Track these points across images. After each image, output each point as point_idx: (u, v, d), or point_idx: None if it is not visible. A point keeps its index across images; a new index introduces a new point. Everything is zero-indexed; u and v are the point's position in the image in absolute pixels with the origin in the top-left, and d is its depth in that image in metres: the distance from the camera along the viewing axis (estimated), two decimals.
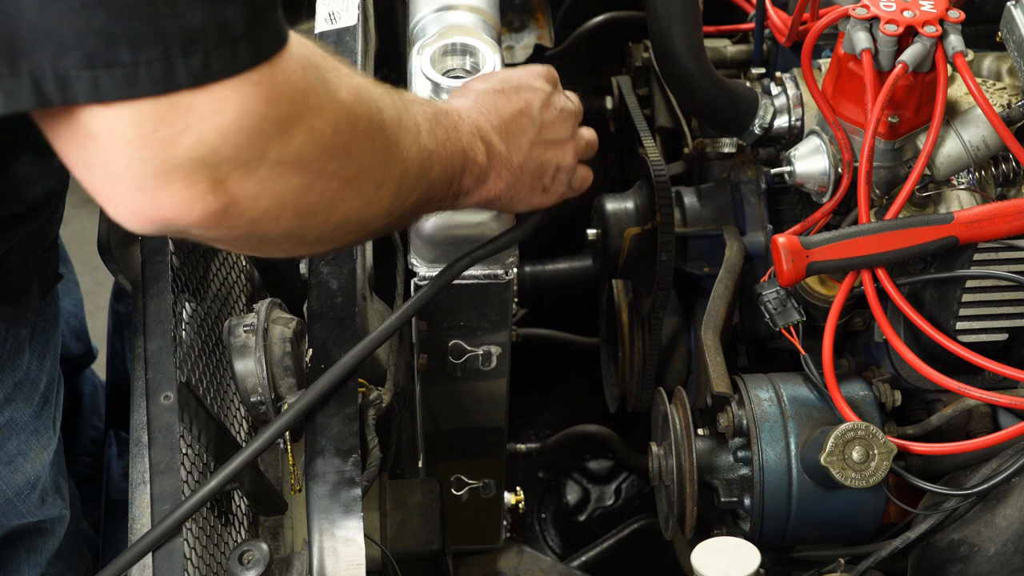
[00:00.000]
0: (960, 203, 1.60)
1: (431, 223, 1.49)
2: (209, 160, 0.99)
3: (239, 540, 1.47)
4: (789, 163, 1.68)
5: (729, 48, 2.07)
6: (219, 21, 0.96)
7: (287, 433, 1.45)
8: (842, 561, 1.54)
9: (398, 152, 1.21)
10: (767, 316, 1.60)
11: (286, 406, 1.37)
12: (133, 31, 0.94)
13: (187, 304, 1.52)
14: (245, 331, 1.40)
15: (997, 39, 1.61)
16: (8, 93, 0.94)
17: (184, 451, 1.35)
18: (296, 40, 1.05)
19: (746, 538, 1.44)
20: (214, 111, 0.98)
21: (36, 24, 0.92)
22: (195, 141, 0.98)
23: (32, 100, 0.94)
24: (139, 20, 0.94)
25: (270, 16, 1.01)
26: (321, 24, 1.64)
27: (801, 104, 1.77)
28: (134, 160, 0.97)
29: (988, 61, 1.75)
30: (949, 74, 1.57)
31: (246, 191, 1.03)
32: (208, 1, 0.96)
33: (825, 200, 1.67)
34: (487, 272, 1.57)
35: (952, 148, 1.59)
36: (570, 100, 1.50)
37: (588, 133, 1.52)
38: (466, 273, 1.51)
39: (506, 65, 1.61)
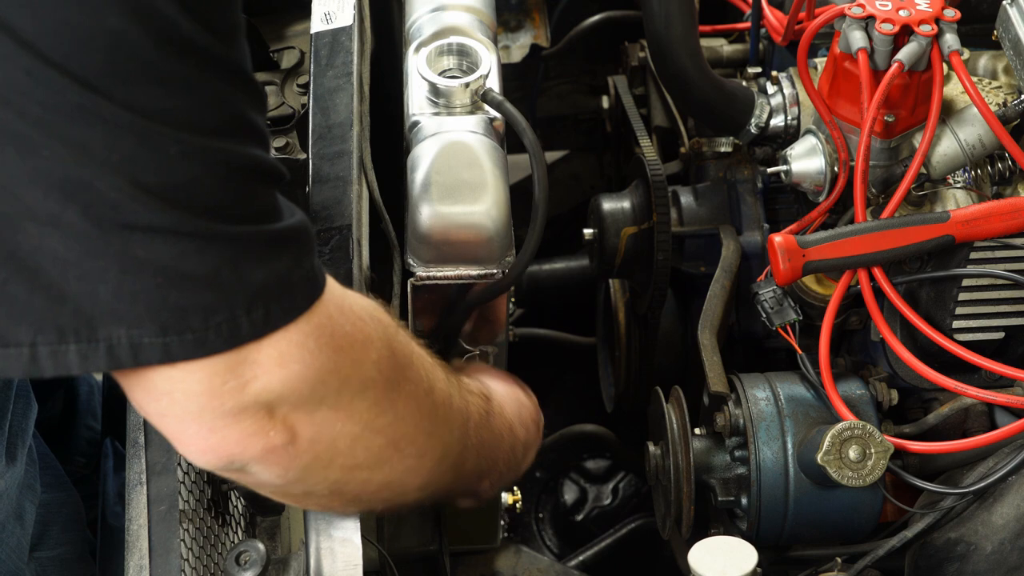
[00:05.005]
0: (956, 202, 1.60)
1: (427, 222, 1.48)
2: (273, 404, 1.06)
3: (236, 541, 1.47)
4: (785, 162, 1.68)
5: (725, 47, 2.07)
6: (275, 275, 1.02)
7: None
8: (839, 560, 1.54)
9: (444, 428, 1.27)
10: (764, 315, 1.60)
11: None
12: (204, 302, 0.98)
13: None
14: None
15: (993, 38, 1.61)
16: (84, 356, 0.98)
17: None
18: (332, 284, 1.10)
19: (743, 537, 1.43)
20: (278, 362, 1.04)
21: (113, 305, 0.96)
22: (261, 388, 1.04)
23: (106, 364, 0.98)
24: (209, 291, 0.98)
25: (312, 262, 1.07)
26: (317, 24, 1.63)
27: (797, 103, 1.77)
28: (206, 409, 1.03)
29: (984, 60, 1.76)
30: (945, 73, 1.57)
31: (305, 431, 1.10)
32: (265, 259, 1.01)
33: (821, 199, 1.67)
34: (484, 272, 1.56)
35: (948, 147, 1.59)
36: None
37: None
38: (464, 273, 1.50)
39: (502, 66, 1.60)
